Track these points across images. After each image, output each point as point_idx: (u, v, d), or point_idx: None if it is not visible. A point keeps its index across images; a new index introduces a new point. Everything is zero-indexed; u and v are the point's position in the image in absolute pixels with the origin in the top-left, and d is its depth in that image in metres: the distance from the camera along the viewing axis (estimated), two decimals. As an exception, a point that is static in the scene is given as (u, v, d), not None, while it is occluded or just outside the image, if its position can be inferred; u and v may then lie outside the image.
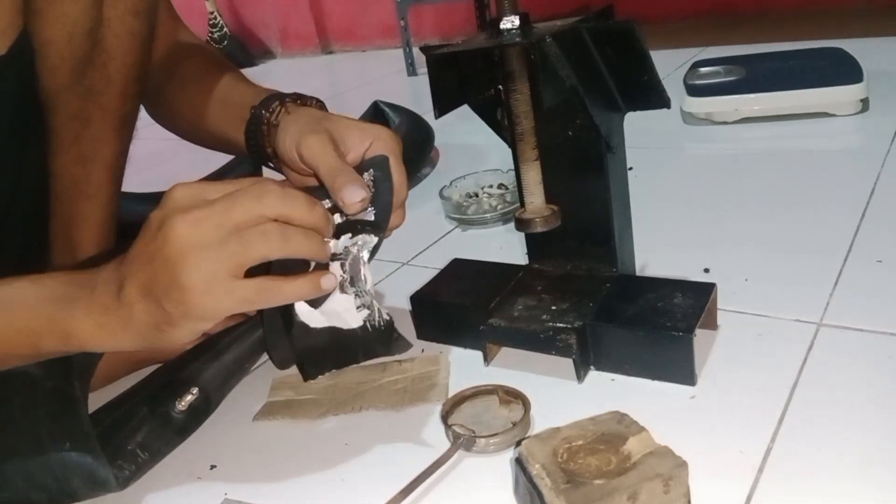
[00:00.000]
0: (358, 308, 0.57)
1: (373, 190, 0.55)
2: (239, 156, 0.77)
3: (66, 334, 0.48)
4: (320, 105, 0.65)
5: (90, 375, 0.61)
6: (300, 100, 0.63)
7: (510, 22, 0.55)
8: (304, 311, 0.56)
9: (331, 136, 0.56)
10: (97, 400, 0.63)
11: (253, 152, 0.64)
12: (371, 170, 0.56)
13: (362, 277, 0.55)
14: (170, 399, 0.60)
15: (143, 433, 0.57)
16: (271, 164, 0.64)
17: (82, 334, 0.48)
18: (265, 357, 0.71)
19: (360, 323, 0.57)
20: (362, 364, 0.67)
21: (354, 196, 0.52)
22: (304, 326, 0.57)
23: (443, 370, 0.65)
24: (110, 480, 0.53)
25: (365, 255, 0.55)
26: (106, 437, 0.56)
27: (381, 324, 0.58)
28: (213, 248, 0.45)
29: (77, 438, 0.53)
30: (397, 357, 0.67)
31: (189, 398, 0.60)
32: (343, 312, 0.56)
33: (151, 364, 0.69)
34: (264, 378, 0.68)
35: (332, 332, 0.58)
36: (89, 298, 0.48)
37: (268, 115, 0.61)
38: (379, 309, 0.58)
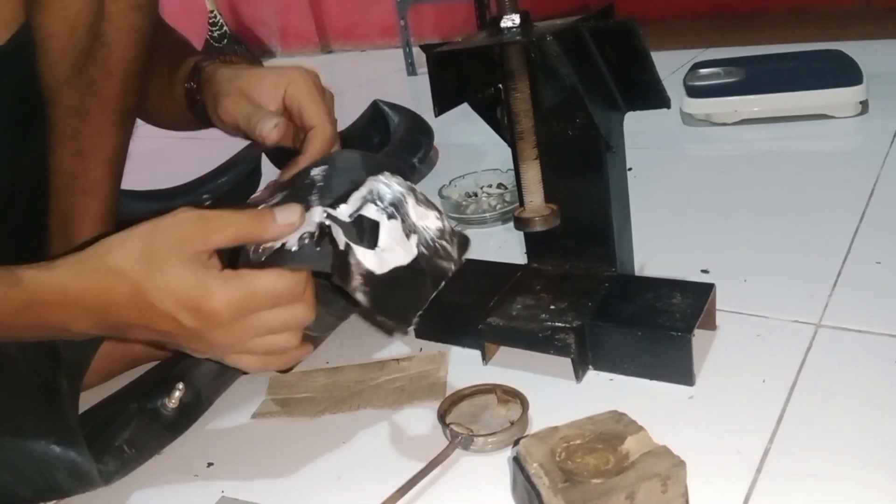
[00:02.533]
0: (407, 235, 0.53)
1: (321, 183, 0.55)
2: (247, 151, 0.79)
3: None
4: (246, 59, 0.67)
5: (82, 373, 0.61)
6: (221, 57, 0.66)
7: (510, 20, 0.55)
8: (365, 257, 0.52)
9: (243, 93, 0.59)
10: (93, 397, 0.63)
11: (203, 124, 0.68)
12: (325, 166, 0.56)
13: (406, 208, 0.54)
14: (159, 396, 0.60)
15: (130, 429, 0.57)
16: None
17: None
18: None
19: (415, 251, 0.54)
20: (360, 363, 0.67)
21: (268, 124, 0.55)
22: (369, 276, 0.52)
23: (441, 369, 0.65)
24: (93, 475, 0.53)
25: (395, 188, 0.53)
26: (95, 434, 0.56)
27: (434, 238, 0.54)
28: (237, 348, 0.52)
29: (61, 433, 0.53)
30: (395, 356, 0.67)
31: (177, 394, 0.60)
32: (395, 243, 0.53)
33: (148, 362, 0.69)
34: (262, 375, 0.68)
35: (396, 274, 0.53)
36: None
37: (195, 86, 0.65)
38: (425, 227, 0.54)
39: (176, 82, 0.69)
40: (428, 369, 0.65)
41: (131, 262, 0.47)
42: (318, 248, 0.50)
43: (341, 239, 0.51)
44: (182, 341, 0.51)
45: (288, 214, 0.50)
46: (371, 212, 0.53)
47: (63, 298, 0.48)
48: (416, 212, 0.53)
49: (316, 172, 0.56)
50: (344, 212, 0.52)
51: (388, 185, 0.54)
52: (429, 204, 0.54)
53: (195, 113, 0.68)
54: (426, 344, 0.70)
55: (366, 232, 0.52)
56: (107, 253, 0.48)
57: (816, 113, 1.12)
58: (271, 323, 0.50)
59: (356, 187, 0.54)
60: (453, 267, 0.55)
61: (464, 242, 0.54)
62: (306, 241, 0.50)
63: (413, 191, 0.54)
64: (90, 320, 0.49)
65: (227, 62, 0.65)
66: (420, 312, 0.54)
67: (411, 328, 0.57)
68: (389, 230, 0.52)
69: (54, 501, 0.56)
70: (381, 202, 0.53)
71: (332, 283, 0.53)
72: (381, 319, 0.54)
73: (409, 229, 0.53)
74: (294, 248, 0.50)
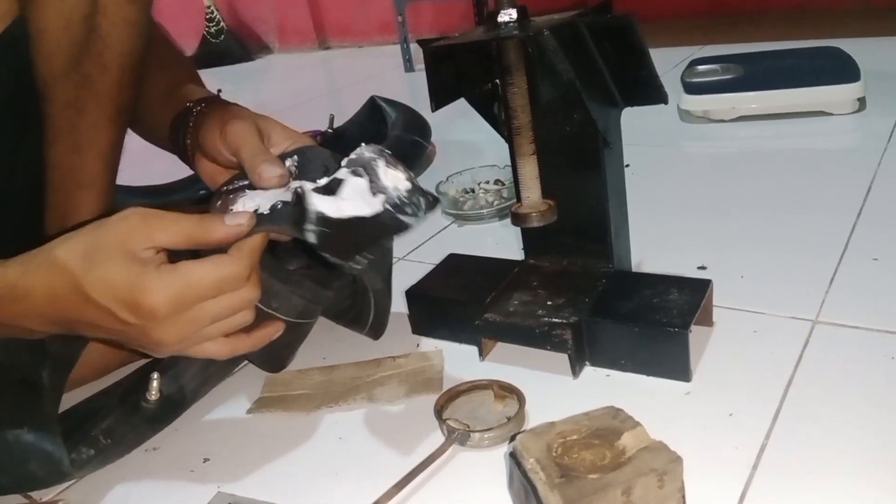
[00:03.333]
0: (374, 193, 0.53)
1: (296, 174, 0.55)
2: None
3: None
4: None
5: (69, 367, 0.61)
6: (234, 105, 0.65)
7: (508, 15, 0.55)
8: (319, 202, 0.51)
9: (256, 125, 0.58)
10: (88, 392, 0.63)
11: (173, 142, 0.66)
12: (295, 157, 0.56)
13: (377, 170, 0.53)
14: (141, 389, 0.60)
15: (109, 420, 0.57)
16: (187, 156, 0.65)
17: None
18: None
19: (380, 207, 0.52)
20: (356, 361, 0.66)
21: (271, 171, 0.53)
22: (321, 217, 0.51)
23: (437, 365, 0.65)
24: (65, 463, 0.53)
25: (380, 162, 0.53)
26: (76, 426, 0.56)
27: (403, 197, 0.53)
28: (189, 340, 0.50)
29: (36, 422, 0.53)
30: (392, 353, 0.67)
31: (155, 384, 0.59)
32: (358, 196, 0.53)
33: (144, 358, 0.69)
34: (258, 373, 0.68)
35: (354, 223, 0.52)
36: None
37: (197, 108, 0.63)
38: (395, 188, 0.53)
39: (173, 100, 0.67)
40: (424, 365, 0.65)
41: (73, 256, 0.47)
42: (284, 208, 0.51)
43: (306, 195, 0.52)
44: (131, 339, 0.50)
45: (237, 219, 0.50)
46: (341, 173, 0.53)
47: (13, 294, 0.48)
48: (385, 174, 0.53)
49: (289, 164, 0.56)
50: (322, 183, 0.53)
51: (360, 153, 0.54)
52: (398, 166, 0.54)
53: (174, 132, 0.66)
54: (423, 340, 0.69)
55: (332, 188, 0.53)
56: (53, 248, 0.48)
57: (814, 110, 1.12)
58: (215, 310, 0.49)
59: (329, 172, 0.54)
60: (416, 223, 0.53)
61: (432, 203, 0.54)
62: (279, 206, 0.51)
63: (382, 153, 0.54)
64: (40, 317, 0.49)
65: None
66: (370, 257, 0.53)
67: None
68: (353, 185, 0.52)
69: (51, 496, 0.56)
70: (351, 165, 0.54)
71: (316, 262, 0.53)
72: (326, 257, 0.52)
73: (378, 189, 0.53)
74: (265, 213, 0.51)
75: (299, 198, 0.51)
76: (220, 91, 0.69)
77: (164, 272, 0.48)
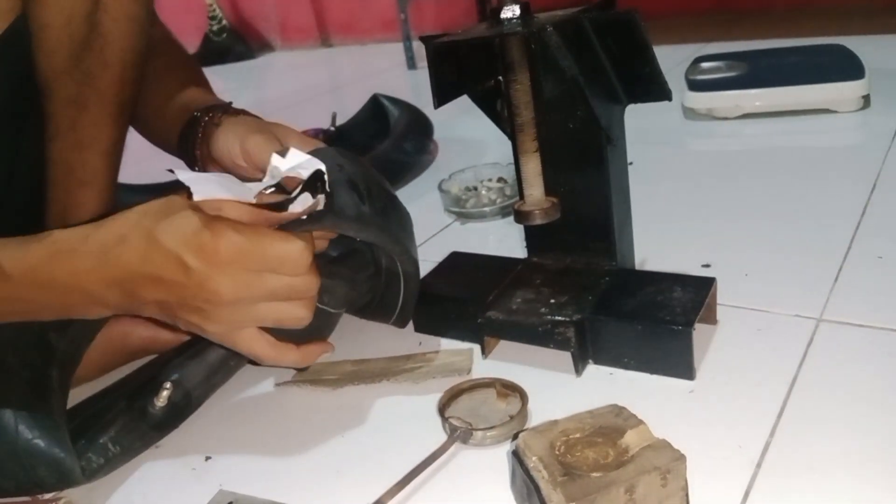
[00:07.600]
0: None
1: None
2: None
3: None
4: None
5: (75, 365, 0.60)
6: (243, 113, 0.67)
7: (511, 11, 0.55)
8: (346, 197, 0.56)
9: (276, 138, 0.61)
10: (90, 390, 0.63)
11: (182, 152, 0.67)
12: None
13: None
14: (148, 395, 0.59)
15: (117, 427, 0.57)
16: (196, 168, 0.67)
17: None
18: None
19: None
20: (387, 357, 0.67)
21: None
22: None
23: (467, 360, 0.64)
24: (76, 471, 0.53)
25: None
26: (82, 430, 0.56)
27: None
28: (244, 312, 0.51)
29: (47, 428, 0.52)
30: (395, 352, 0.67)
31: (165, 393, 0.59)
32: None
33: (147, 355, 0.69)
34: (259, 373, 0.67)
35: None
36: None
37: (206, 118, 0.64)
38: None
39: (178, 106, 0.68)
40: (455, 360, 0.64)
41: (149, 210, 0.49)
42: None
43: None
44: (187, 295, 0.49)
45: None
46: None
47: (83, 248, 0.49)
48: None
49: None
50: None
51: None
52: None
53: (182, 141, 0.67)
54: (426, 338, 0.69)
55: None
56: (133, 208, 0.50)
57: (818, 107, 1.11)
58: (276, 285, 0.50)
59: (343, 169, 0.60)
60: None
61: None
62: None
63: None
64: (101, 274, 0.49)
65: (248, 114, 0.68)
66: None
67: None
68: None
69: (53, 493, 0.56)
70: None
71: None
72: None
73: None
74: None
75: (330, 197, 0.55)
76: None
77: (236, 224, 0.49)
